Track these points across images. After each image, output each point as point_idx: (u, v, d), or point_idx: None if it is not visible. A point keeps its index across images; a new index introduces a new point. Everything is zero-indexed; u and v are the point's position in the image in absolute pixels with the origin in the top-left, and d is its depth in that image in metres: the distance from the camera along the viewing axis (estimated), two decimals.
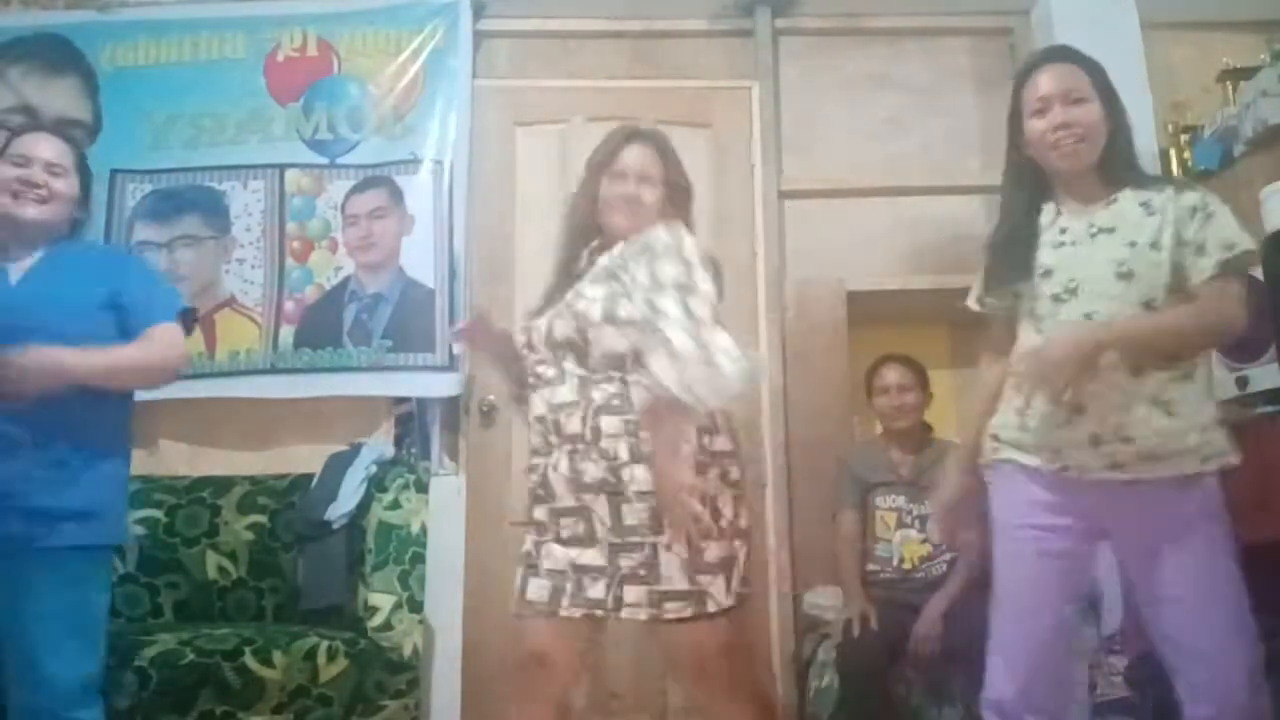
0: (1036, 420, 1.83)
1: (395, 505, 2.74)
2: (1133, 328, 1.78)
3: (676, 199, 2.06)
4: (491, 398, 3.18)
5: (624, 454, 1.83)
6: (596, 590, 1.82)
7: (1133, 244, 1.82)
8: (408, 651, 2.56)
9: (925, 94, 3.48)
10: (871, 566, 2.81)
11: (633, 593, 1.81)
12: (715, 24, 3.48)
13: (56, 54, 3.31)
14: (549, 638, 1.86)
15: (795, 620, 3.03)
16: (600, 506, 1.83)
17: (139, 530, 2.76)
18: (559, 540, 1.87)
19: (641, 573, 1.81)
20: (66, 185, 2.13)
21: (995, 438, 1.91)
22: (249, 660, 2.30)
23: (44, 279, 2.06)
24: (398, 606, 2.60)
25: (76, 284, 2.06)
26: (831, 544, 2.87)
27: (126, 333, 2.07)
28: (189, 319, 2.25)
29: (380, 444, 3.03)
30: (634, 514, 1.82)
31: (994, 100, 3.45)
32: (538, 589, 1.87)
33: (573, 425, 1.87)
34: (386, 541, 2.68)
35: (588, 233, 2.07)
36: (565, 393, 1.89)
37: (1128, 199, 1.88)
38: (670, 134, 3.26)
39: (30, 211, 2.07)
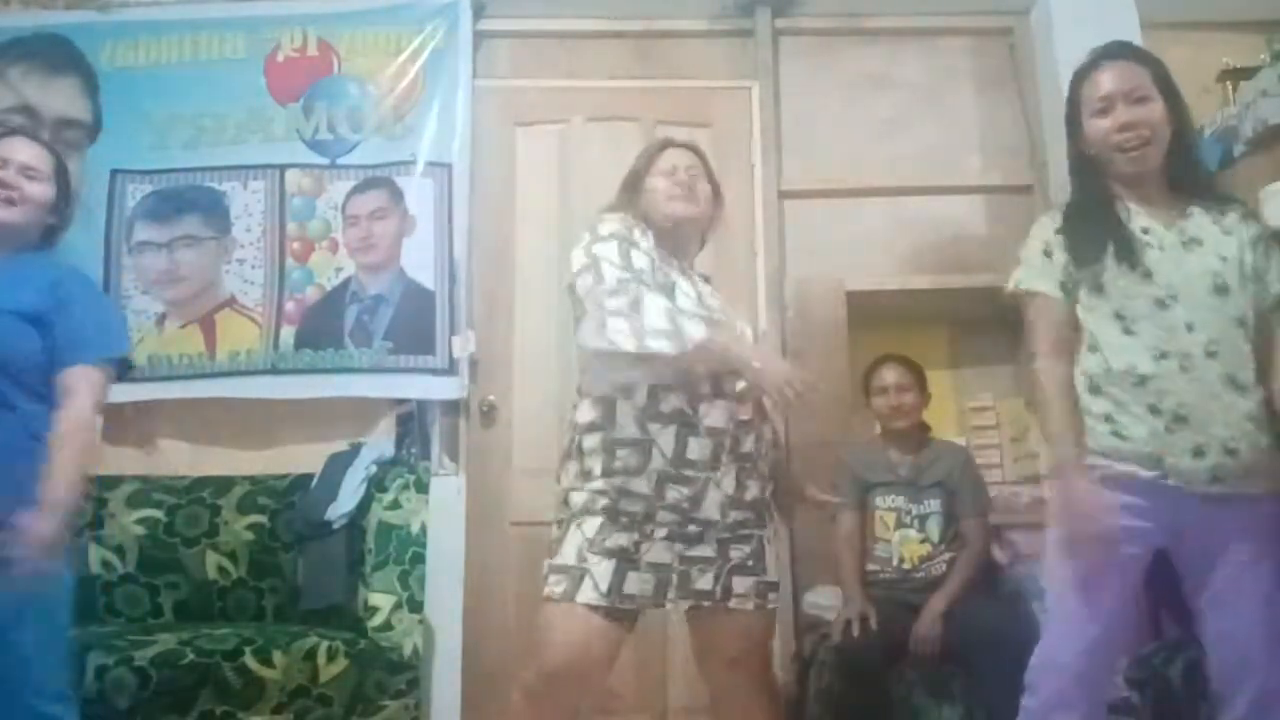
0: (1135, 428, 1.79)
1: (395, 505, 2.74)
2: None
3: (717, 206, 2.15)
4: (491, 398, 3.18)
5: (767, 472, 1.97)
6: (705, 581, 1.87)
7: (1224, 259, 1.80)
8: (408, 651, 2.57)
9: (925, 94, 3.48)
10: (871, 566, 2.80)
11: (741, 583, 1.90)
12: (715, 24, 3.48)
13: (56, 54, 3.31)
14: (592, 636, 1.83)
15: (795, 620, 3.03)
16: (754, 528, 1.93)
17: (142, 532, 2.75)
18: (671, 539, 1.87)
19: (750, 564, 1.91)
20: (40, 190, 2.07)
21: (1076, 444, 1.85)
22: (249, 660, 2.30)
23: None
24: (398, 606, 2.60)
25: (10, 290, 1.97)
26: (831, 544, 2.87)
27: (47, 356, 1.96)
28: (122, 367, 2.09)
29: (380, 444, 3.03)
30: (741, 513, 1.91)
31: (994, 100, 3.47)
32: (640, 582, 1.84)
33: (748, 445, 1.92)
34: (386, 541, 2.68)
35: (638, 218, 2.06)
36: (747, 411, 1.92)
37: (1200, 214, 1.85)
38: (670, 134, 3.35)
39: (3, 215, 2.02)
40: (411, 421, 3.16)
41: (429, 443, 3.14)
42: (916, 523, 2.79)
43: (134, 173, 3.23)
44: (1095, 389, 1.83)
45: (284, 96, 3.29)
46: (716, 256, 3.32)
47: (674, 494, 1.85)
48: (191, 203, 3.23)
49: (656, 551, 1.85)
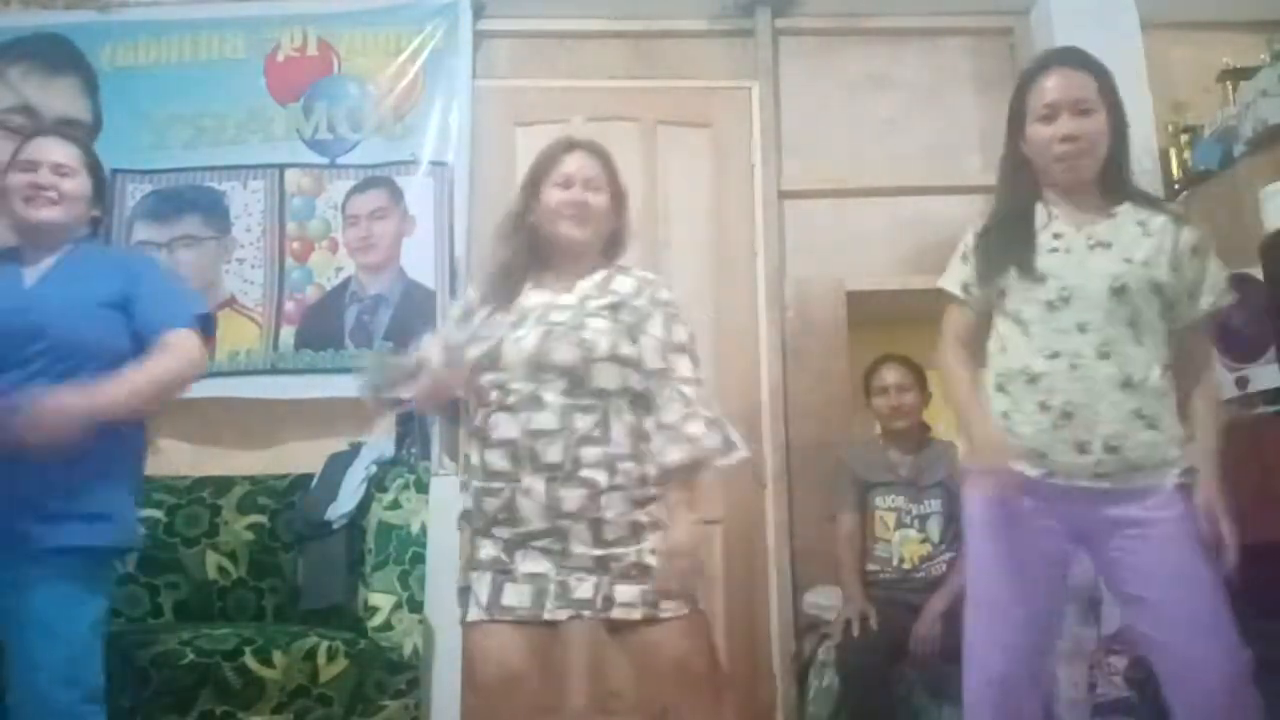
0: (1024, 426, 1.84)
1: (395, 505, 2.74)
2: None
3: (619, 206, 2.05)
4: None
5: (603, 482, 1.83)
6: (584, 590, 1.82)
7: (1128, 261, 1.83)
8: (408, 651, 2.56)
9: (925, 94, 3.48)
10: (871, 566, 2.81)
11: (626, 592, 1.82)
12: (715, 24, 3.48)
13: (56, 54, 3.31)
14: (518, 650, 1.81)
15: (795, 620, 3.04)
16: (580, 531, 1.82)
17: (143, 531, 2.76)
18: (536, 550, 1.84)
19: (633, 572, 1.82)
20: (76, 185, 2.13)
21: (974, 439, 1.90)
22: (249, 660, 2.30)
23: (57, 280, 2.06)
24: (398, 606, 2.60)
25: (87, 283, 2.05)
26: (831, 544, 2.87)
27: (136, 336, 2.04)
28: (209, 325, 2.20)
29: (380, 444, 3.03)
30: (614, 531, 1.83)
31: (994, 100, 3.45)
32: (516, 594, 1.82)
33: (553, 454, 1.83)
34: (386, 541, 2.68)
35: (531, 245, 2.02)
36: (545, 419, 1.85)
37: (1126, 215, 1.88)
38: (670, 134, 3.38)
39: (43, 214, 2.08)
40: (411, 422, 3.15)
41: (429, 443, 3.13)
42: (917, 523, 2.79)
43: (134, 172, 3.23)
44: (1000, 388, 1.89)
45: (284, 96, 3.29)
46: (717, 256, 3.33)
47: (489, 504, 1.86)
48: (191, 202, 3.23)
49: (532, 562, 1.83)
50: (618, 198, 2.05)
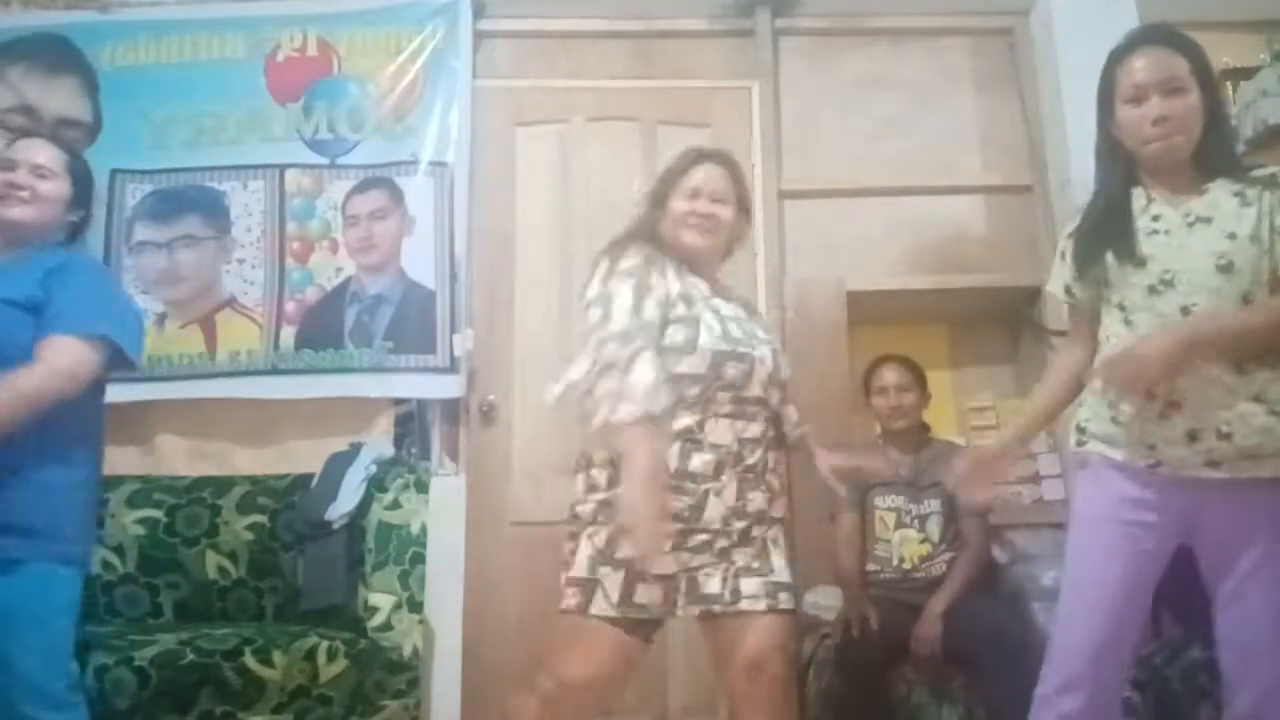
0: (1130, 415, 1.78)
1: (395, 505, 2.74)
2: (1227, 325, 1.72)
3: (743, 221, 2.14)
4: (491, 398, 3.18)
5: (777, 486, 1.98)
6: (712, 585, 1.86)
7: (1232, 235, 1.76)
8: (408, 651, 2.56)
9: (925, 94, 3.47)
10: (871, 566, 2.81)
11: (750, 585, 1.87)
12: (715, 24, 3.48)
13: (56, 54, 3.31)
14: (610, 648, 1.83)
15: (795, 620, 3.03)
16: (759, 532, 1.91)
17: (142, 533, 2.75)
18: (675, 549, 1.85)
19: (755, 565, 1.88)
20: (53, 188, 2.11)
21: (1081, 430, 1.88)
22: (249, 660, 2.30)
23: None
24: (398, 606, 2.60)
25: (12, 280, 1.98)
26: (831, 544, 2.87)
27: (37, 336, 1.94)
28: (125, 340, 2.03)
29: (380, 444, 3.03)
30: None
31: (994, 100, 3.47)
32: (648, 592, 1.84)
33: (754, 457, 1.91)
34: (386, 541, 2.68)
35: (657, 247, 2.02)
36: (755, 429, 1.93)
37: (1221, 189, 1.81)
38: (670, 134, 3.37)
39: (13, 212, 2.06)
40: (411, 421, 3.15)
41: (429, 443, 3.14)
42: (916, 522, 2.79)
43: (134, 173, 3.23)
44: (1105, 382, 1.83)
45: (284, 96, 3.29)
46: None
47: (676, 504, 1.84)
48: (191, 203, 3.23)
49: (662, 564, 1.84)
50: (744, 209, 2.13)
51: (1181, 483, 1.76)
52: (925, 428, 2.96)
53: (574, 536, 1.91)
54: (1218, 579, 1.79)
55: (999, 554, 2.92)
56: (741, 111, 3.42)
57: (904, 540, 2.79)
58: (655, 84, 3.42)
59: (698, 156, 2.10)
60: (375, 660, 2.49)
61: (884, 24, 3.52)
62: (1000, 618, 2.53)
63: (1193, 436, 1.73)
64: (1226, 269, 1.74)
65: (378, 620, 2.58)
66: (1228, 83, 3.03)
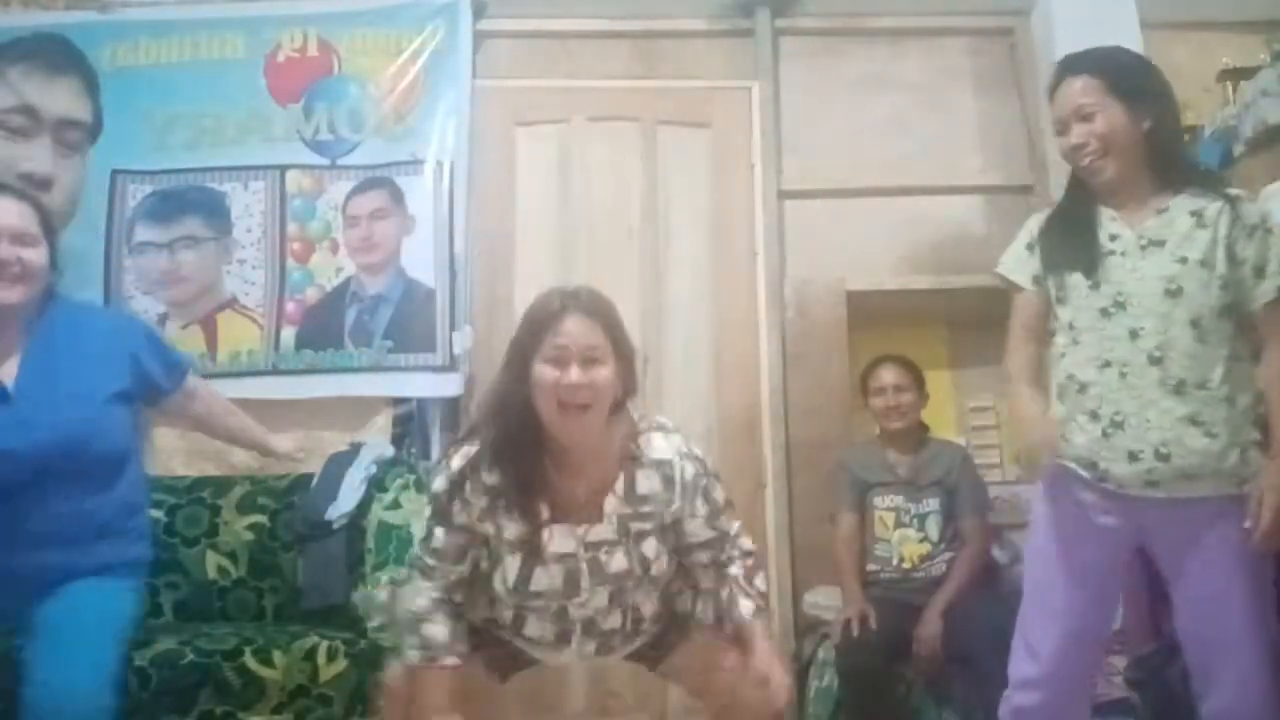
0: (1077, 434, 1.83)
1: (395, 505, 2.74)
2: None
3: (626, 371, 1.75)
4: None
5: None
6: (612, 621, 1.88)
7: (1183, 260, 1.79)
8: None
9: (925, 94, 3.48)
10: (871, 566, 2.81)
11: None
12: (715, 24, 3.48)
13: (57, 54, 3.31)
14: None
15: (795, 620, 3.04)
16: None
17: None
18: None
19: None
20: (37, 255, 1.85)
21: None
22: (249, 660, 2.30)
23: (42, 375, 1.82)
24: None
25: (88, 368, 1.87)
26: (831, 544, 2.87)
27: (148, 399, 2.04)
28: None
29: (380, 444, 3.03)
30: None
31: (994, 100, 3.47)
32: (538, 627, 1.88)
33: (614, 565, 1.80)
34: (386, 541, 2.67)
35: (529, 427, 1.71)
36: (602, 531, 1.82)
37: (1180, 208, 1.83)
38: (670, 134, 3.38)
39: (11, 296, 1.80)
40: (411, 421, 3.15)
41: (429, 443, 3.14)
42: (916, 522, 2.80)
43: (134, 173, 3.23)
44: (1059, 395, 1.90)
45: (284, 97, 3.29)
46: (717, 256, 3.33)
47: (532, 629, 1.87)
48: (192, 203, 3.23)
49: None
50: (625, 361, 1.74)
51: (1127, 497, 1.81)
52: (924, 427, 2.96)
53: None
54: (1172, 582, 1.85)
55: (999, 554, 2.93)
56: (741, 111, 3.42)
57: (903, 540, 2.79)
58: (655, 84, 3.43)
59: (564, 308, 1.70)
60: (375, 660, 2.49)
61: (884, 24, 3.52)
62: (1000, 617, 2.53)
63: (1133, 456, 1.78)
64: (1175, 294, 1.78)
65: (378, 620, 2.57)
66: (1227, 83, 3.04)
